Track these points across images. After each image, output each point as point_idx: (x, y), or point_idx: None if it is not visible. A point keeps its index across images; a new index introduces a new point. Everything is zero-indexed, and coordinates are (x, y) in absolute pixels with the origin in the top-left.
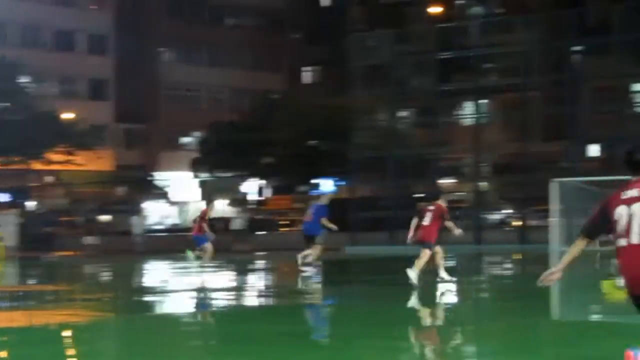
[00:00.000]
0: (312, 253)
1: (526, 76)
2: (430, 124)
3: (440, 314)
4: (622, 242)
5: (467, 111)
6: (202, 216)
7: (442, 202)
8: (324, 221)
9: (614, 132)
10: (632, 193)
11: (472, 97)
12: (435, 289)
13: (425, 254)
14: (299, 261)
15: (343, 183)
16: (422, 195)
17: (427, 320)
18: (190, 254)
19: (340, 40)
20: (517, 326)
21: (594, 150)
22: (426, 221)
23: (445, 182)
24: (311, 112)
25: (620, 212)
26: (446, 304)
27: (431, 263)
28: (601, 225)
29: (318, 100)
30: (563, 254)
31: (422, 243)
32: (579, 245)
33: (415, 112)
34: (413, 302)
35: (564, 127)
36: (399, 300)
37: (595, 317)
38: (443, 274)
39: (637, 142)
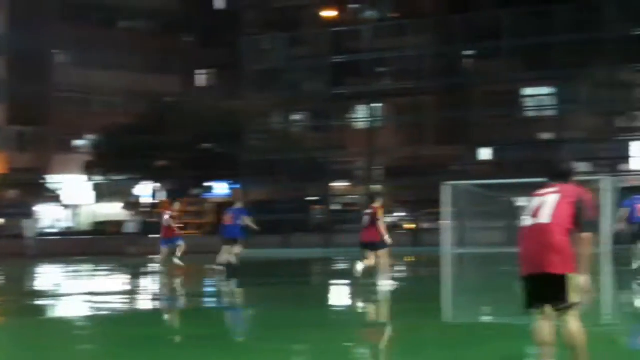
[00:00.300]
0: (237, 254)
1: (419, 80)
2: (323, 128)
3: (333, 316)
4: (529, 221)
5: (361, 115)
6: (172, 218)
7: (377, 205)
8: (248, 221)
9: (504, 136)
10: (548, 190)
11: (366, 101)
12: (327, 291)
13: (383, 254)
14: (219, 261)
15: (237, 186)
16: (316, 198)
17: (320, 323)
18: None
19: (234, 43)
20: (407, 328)
21: (485, 153)
22: (365, 224)
23: (339, 185)
24: (205, 115)
25: (533, 200)
26: (339, 306)
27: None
28: None
29: (212, 103)
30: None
31: (372, 245)
32: None
33: (308, 115)
34: (308, 304)
35: (456, 131)
36: (295, 303)
37: (486, 319)
38: (382, 278)
39: (563, 154)
